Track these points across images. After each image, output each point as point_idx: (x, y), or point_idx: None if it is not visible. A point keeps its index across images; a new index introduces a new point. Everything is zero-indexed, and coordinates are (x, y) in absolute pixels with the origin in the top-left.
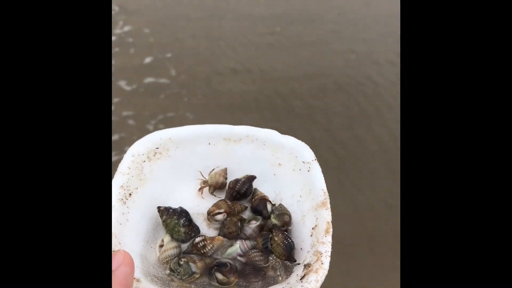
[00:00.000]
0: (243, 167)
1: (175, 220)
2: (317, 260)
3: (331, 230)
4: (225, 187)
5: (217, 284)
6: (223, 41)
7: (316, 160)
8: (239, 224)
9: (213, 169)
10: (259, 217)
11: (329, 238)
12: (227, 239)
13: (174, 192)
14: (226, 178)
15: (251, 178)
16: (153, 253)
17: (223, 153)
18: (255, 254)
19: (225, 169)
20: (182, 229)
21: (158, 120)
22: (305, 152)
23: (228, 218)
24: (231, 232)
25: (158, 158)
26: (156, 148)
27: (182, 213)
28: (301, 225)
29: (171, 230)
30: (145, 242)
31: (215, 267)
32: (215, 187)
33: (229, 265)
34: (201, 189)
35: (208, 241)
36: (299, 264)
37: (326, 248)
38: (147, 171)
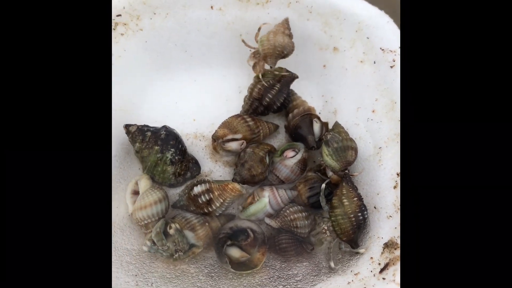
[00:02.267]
0: None
1: (156, 151)
2: None
3: None
4: (291, 50)
5: (231, 269)
6: None
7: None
8: (267, 160)
9: (259, 28)
10: (300, 144)
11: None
12: (247, 187)
13: (152, 97)
14: (290, 36)
15: (289, 79)
16: (122, 205)
17: (236, 26)
18: (296, 215)
19: (285, 21)
20: (170, 168)
21: None
22: (387, 30)
23: (249, 150)
24: (254, 175)
25: (122, 34)
26: (117, 16)
27: (170, 139)
28: (375, 166)
29: (150, 169)
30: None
31: (228, 240)
32: (275, 55)
33: (250, 233)
34: (255, 66)
35: (216, 192)
36: (360, 252)
37: None
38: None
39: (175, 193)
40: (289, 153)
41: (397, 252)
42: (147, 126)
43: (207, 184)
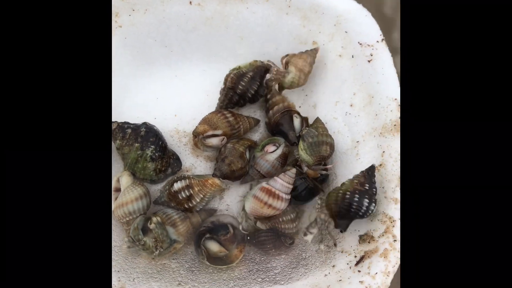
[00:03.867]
0: (249, 46)
1: (137, 148)
2: (385, 232)
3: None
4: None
5: (206, 262)
6: None
7: (385, 42)
8: (247, 155)
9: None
10: (281, 139)
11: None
12: (227, 182)
13: (133, 93)
14: (312, 65)
15: (262, 69)
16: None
17: (215, 21)
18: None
19: (315, 52)
20: (151, 165)
21: None
22: (365, 24)
23: (229, 145)
24: (234, 170)
25: None
26: None
27: (150, 136)
28: (353, 160)
29: (131, 165)
30: None
31: (207, 233)
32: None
33: (231, 229)
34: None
35: (196, 188)
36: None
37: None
38: None
39: (156, 189)
40: (270, 147)
41: (372, 246)
42: (127, 123)
43: (187, 180)
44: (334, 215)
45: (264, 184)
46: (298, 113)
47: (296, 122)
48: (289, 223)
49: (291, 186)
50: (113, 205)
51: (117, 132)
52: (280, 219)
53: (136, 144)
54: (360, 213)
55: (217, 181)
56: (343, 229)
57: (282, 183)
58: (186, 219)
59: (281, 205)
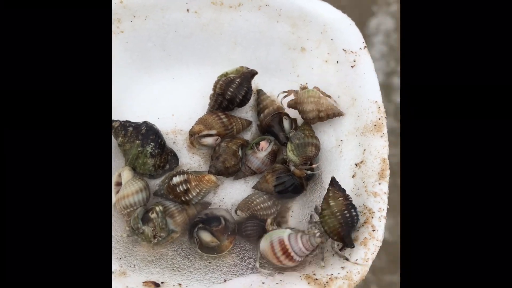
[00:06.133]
0: (243, 51)
1: (137, 145)
2: (365, 222)
3: (388, 173)
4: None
5: (198, 250)
6: None
7: (367, 49)
8: (239, 153)
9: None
10: (270, 138)
11: (384, 187)
12: (221, 177)
13: (133, 94)
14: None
15: (249, 75)
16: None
17: (210, 28)
18: (263, 204)
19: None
20: (150, 161)
21: None
22: (349, 32)
23: (223, 144)
24: (228, 167)
25: None
26: None
27: (150, 134)
28: (337, 157)
29: (132, 161)
30: None
31: (200, 223)
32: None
33: (222, 221)
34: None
35: (193, 183)
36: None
37: (380, 203)
38: None
39: (155, 183)
40: (265, 144)
41: (353, 235)
42: (129, 121)
43: (185, 175)
44: (343, 237)
45: (285, 238)
46: (288, 115)
47: (286, 123)
48: (267, 210)
49: (307, 252)
50: (115, 198)
51: (119, 130)
52: (258, 207)
53: (137, 141)
54: (356, 223)
55: (212, 177)
56: (353, 244)
57: (301, 248)
58: (183, 210)
59: (289, 264)
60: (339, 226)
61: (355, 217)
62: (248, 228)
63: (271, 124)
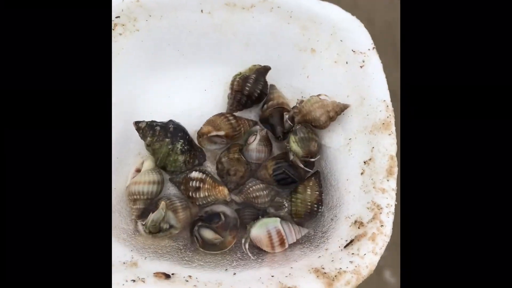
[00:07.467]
0: (254, 51)
1: (167, 143)
2: (373, 218)
3: (396, 170)
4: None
5: (200, 248)
6: None
7: (375, 50)
8: (242, 157)
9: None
10: (254, 128)
11: (392, 184)
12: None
13: (146, 92)
14: (330, 119)
15: (263, 70)
16: (121, 182)
17: (224, 28)
18: (258, 193)
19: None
20: (181, 157)
21: None
22: (358, 34)
23: (224, 160)
24: (242, 176)
25: (120, 34)
26: (116, 17)
27: (178, 131)
28: (345, 155)
29: (163, 160)
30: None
31: (200, 221)
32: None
33: (222, 217)
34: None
35: (207, 185)
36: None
37: (388, 199)
38: None
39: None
40: (251, 138)
41: (362, 230)
42: (155, 121)
43: (204, 174)
44: (300, 224)
45: (280, 228)
46: (288, 110)
47: (286, 118)
48: (261, 198)
49: (296, 238)
50: (129, 181)
51: (147, 130)
52: (254, 195)
53: (167, 139)
54: (314, 217)
55: (225, 190)
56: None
57: (293, 237)
58: (187, 208)
59: (278, 250)
60: (304, 214)
61: (319, 213)
62: (246, 217)
63: (272, 114)
